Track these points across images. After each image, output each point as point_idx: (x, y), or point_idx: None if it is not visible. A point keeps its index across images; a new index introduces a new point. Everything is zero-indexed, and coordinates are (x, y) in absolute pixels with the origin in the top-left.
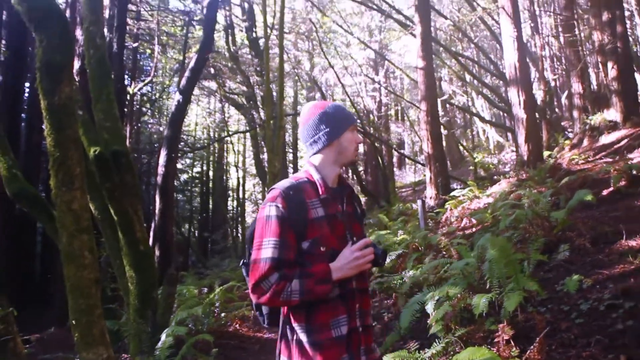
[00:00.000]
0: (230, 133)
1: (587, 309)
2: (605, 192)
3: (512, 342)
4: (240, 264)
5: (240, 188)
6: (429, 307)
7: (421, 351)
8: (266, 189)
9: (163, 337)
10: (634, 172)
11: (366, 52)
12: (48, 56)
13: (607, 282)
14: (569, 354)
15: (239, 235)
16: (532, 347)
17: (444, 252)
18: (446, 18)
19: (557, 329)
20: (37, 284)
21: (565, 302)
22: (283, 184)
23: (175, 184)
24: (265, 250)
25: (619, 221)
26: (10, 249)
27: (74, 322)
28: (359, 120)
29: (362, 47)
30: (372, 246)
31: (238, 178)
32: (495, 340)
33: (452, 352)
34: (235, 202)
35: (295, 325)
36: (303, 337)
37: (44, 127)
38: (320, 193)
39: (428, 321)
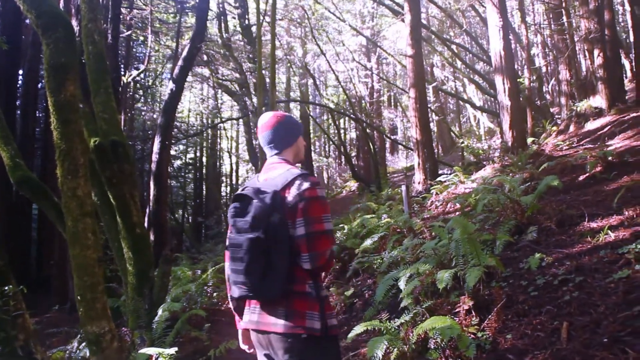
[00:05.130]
0: (223, 120)
1: (542, 283)
2: (581, 178)
3: (472, 312)
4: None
5: (234, 174)
6: (401, 283)
7: (391, 321)
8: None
9: (159, 312)
10: (610, 158)
11: (358, 39)
12: (54, 59)
13: (565, 259)
14: (521, 321)
15: None
16: (490, 316)
17: (423, 234)
18: (437, 5)
19: (515, 301)
20: (33, 270)
21: (525, 277)
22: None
23: (169, 170)
24: (328, 224)
25: (586, 205)
26: (8, 236)
27: (79, 297)
28: (349, 108)
29: (354, 33)
30: None
31: (231, 164)
32: (457, 310)
33: (419, 322)
34: (228, 188)
35: (320, 284)
36: (323, 293)
37: (38, 115)
38: None
39: (400, 295)
